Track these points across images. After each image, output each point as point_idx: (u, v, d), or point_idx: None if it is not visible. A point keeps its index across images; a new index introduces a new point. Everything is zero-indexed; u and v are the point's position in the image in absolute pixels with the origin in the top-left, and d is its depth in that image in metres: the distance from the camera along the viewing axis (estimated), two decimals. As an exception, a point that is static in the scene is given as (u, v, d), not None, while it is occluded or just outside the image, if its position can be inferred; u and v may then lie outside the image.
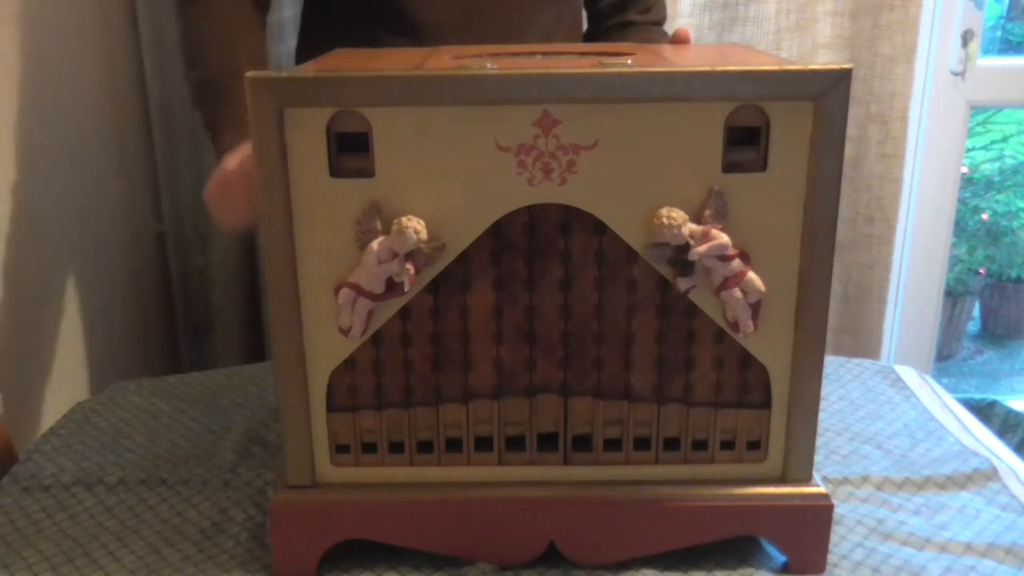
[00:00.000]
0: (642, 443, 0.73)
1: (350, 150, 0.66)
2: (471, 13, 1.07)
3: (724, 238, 0.67)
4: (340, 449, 0.73)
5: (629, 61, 0.71)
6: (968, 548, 0.77)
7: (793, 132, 0.66)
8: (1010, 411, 1.88)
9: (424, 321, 0.70)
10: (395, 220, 0.66)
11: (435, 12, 1.06)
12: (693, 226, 0.67)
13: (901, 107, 1.55)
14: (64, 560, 0.77)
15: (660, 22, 1.18)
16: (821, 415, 0.75)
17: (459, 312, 0.70)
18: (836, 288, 1.67)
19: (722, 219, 0.67)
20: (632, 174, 0.67)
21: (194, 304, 1.68)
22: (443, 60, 0.75)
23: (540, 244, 0.69)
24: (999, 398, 1.99)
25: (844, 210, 1.62)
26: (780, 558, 0.75)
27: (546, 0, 1.11)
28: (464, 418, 0.73)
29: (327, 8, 1.13)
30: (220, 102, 0.95)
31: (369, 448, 0.73)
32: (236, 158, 0.87)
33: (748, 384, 0.72)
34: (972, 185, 2.99)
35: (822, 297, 0.69)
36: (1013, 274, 3.00)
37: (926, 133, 1.67)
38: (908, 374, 1.11)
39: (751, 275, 0.68)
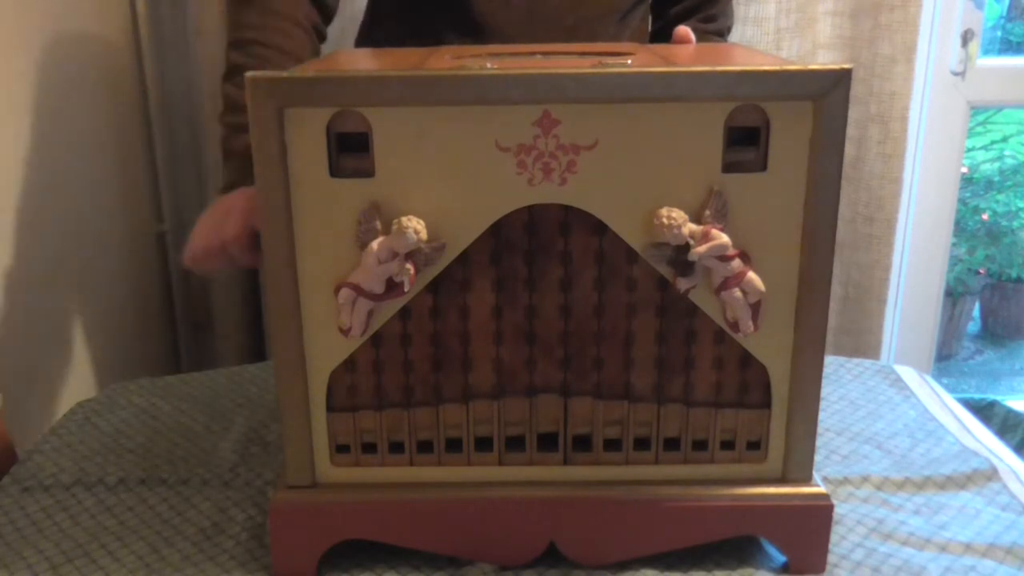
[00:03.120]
0: (642, 443, 0.73)
1: (350, 150, 0.66)
2: (535, 19, 1.07)
3: (724, 238, 0.67)
4: (340, 449, 0.73)
5: (629, 61, 0.71)
6: (968, 548, 0.77)
7: (793, 132, 0.66)
8: (1010, 411, 1.88)
9: (424, 321, 0.70)
10: (395, 220, 0.66)
11: (498, 16, 1.06)
12: (693, 226, 0.67)
13: (901, 107, 1.55)
14: (64, 560, 0.77)
15: (723, 31, 1.18)
16: (821, 415, 0.75)
17: (459, 312, 0.70)
18: (836, 288, 1.67)
19: (722, 219, 0.67)
20: (632, 174, 0.67)
21: (194, 304, 1.68)
22: (443, 60, 0.75)
23: (540, 244, 0.69)
24: (999, 398, 1.99)
25: (844, 210, 1.62)
26: (780, 558, 0.75)
27: (612, 8, 1.10)
28: (464, 418, 0.73)
29: (392, 5, 1.13)
30: (238, 131, 0.92)
31: (369, 448, 0.73)
32: (212, 216, 0.87)
33: (748, 384, 0.72)
34: (972, 185, 2.99)
35: (822, 297, 0.69)
36: (1013, 274, 3.00)
37: (926, 133, 1.67)
38: (908, 374, 1.11)
39: (751, 275, 0.68)
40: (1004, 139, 2.98)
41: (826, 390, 1.03)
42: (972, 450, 0.92)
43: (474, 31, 1.06)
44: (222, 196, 0.90)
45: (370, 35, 1.18)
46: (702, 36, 1.13)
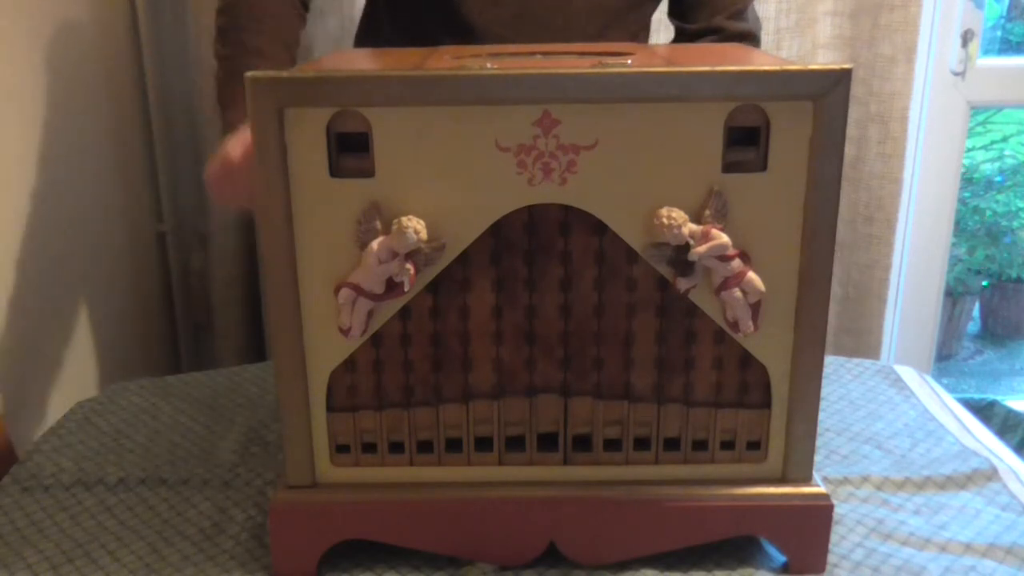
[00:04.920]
0: (642, 443, 0.73)
1: (350, 150, 0.66)
2: (523, 18, 1.06)
3: (724, 238, 0.67)
4: (340, 449, 0.73)
5: (629, 61, 0.71)
6: (968, 548, 0.77)
7: (793, 132, 0.66)
8: (1010, 411, 1.88)
9: (424, 321, 0.70)
10: (395, 220, 0.66)
11: (486, 16, 1.06)
12: (693, 226, 0.67)
13: (901, 107, 1.55)
14: (64, 560, 0.77)
15: (751, 33, 1.11)
16: (821, 415, 0.75)
17: (459, 312, 0.70)
18: (836, 288, 1.67)
19: (722, 219, 0.67)
20: (632, 174, 0.67)
21: (194, 304, 1.68)
22: (443, 60, 0.75)
23: (540, 244, 0.69)
24: (999, 398, 1.99)
25: (844, 210, 1.62)
26: (780, 558, 0.75)
27: (601, 8, 1.09)
28: (464, 418, 0.73)
29: (387, 8, 1.14)
30: (234, 78, 0.92)
31: (369, 448, 0.73)
32: (239, 140, 0.87)
33: (748, 384, 0.72)
34: (972, 185, 2.99)
35: (822, 297, 0.69)
36: (1013, 274, 2.99)
37: (926, 133, 1.67)
38: (908, 374, 1.11)
39: (751, 275, 0.68)
40: (1004, 139, 2.97)
41: (826, 390, 1.03)
42: (972, 450, 0.92)
43: (464, 32, 1.06)
44: (235, 135, 0.89)
45: (366, 38, 1.18)
46: (728, 38, 1.08)
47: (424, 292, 0.69)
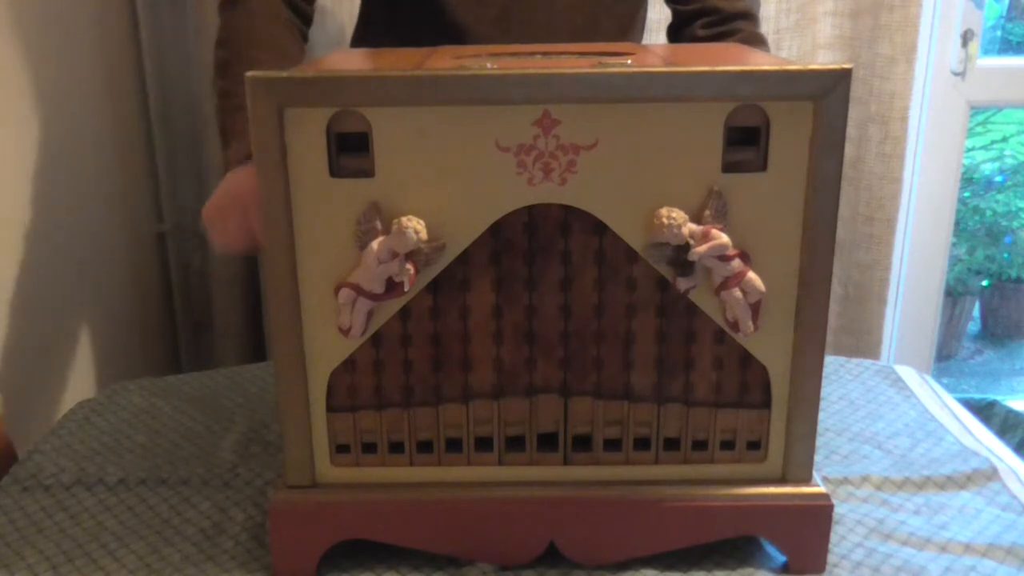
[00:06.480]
0: (642, 443, 0.73)
1: (350, 150, 0.66)
2: (508, 17, 1.06)
3: (724, 238, 0.67)
4: (340, 449, 0.73)
5: (629, 61, 0.71)
6: (968, 548, 0.77)
7: (793, 132, 0.66)
8: (1010, 411, 1.87)
9: (424, 321, 0.70)
10: (395, 220, 0.66)
11: (471, 16, 1.06)
12: (693, 226, 0.67)
13: (901, 107, 1.55)
14: (64, 560, 0.77)
15: (748, 12, 1.07)
16: (821, 415, 0.75)
17: (459, 312, 0.70)
18: (836, 288, 1.67)
19: (722, 219, 0.67)
20: (632, 174, 0.67)
21: (194, 304, 1.68)
22: (443, 60, 0.75)
23: (540, 244, 0.69)
24: (999, 398, 1.99)
25: (844, 210, 1.62)
26: (780, 558, 0.75)
27: (584, 1, 1.09)
28: (464, 418, 0.73)
29: (381, 14, 1.14)
30: (236, 112, 0.93)
31: (369, 448, 0.73)
32: (234, 180, 0.87)
33: (748, 384, 0.72)
34: (972, 185, 2.99)
35: (822, 297, 0.69)
36: (1013, 274, 2.99)
37: (926, 133, 1.67)
38: (908, 374, 1.11)
39: (751, 275, 0.68)
40: (1004, 139, 2.97)
41: (826, 390, 1.03)
42: (972, 450, 0.92)
43: (452, 33, 1.06)
44: (235, 173, 0.89)
45: (360, 42, 1.18)
46: (733, 24, 1.07)
47: (424, 292, 0.69)
